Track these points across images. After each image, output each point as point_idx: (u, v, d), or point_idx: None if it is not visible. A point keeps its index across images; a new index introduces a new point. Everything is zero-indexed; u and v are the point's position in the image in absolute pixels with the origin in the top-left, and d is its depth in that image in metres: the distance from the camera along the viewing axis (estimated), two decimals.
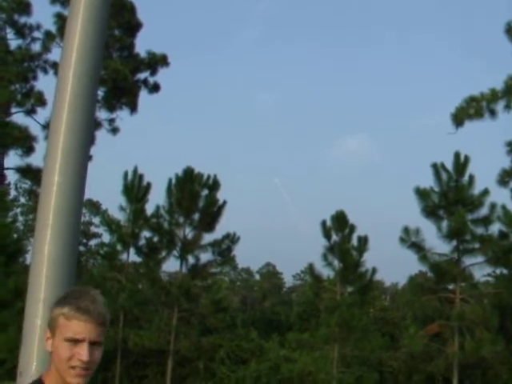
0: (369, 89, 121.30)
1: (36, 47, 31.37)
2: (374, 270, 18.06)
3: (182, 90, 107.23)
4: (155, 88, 31.79)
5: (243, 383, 20.23)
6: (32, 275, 2.25)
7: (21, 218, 52.67)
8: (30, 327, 2.02)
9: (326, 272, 19.06)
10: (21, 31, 31.30)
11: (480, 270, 17.97)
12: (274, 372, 20.09)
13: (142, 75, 31.65)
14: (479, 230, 17.51)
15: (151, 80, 31.78)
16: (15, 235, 24.21)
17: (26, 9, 31.01)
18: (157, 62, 31.25)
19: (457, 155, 17.68)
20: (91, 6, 2.49)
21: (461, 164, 17.68)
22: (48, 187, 2.32)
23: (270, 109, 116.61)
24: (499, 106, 21.97)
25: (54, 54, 31.26)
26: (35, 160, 30.19)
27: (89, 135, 2.45)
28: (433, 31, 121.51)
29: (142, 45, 35.89)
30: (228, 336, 22.07)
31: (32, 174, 30.09)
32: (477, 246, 17.47)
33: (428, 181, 17.87)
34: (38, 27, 31.25)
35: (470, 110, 23.99)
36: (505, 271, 19.59)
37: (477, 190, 17.60)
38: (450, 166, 17.76)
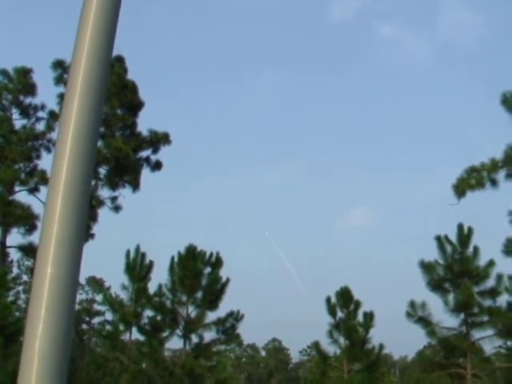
0: (370, 162, 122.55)
1: (40, 127, 31.88)
2: (382, 347, 17.66)
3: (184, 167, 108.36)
4: (157, 166, 32.01)
5: None
6: (22, 371, 2.13)
7: (23, 296, 52.23)
8: None
9: (332, 349, 18.63)
10: (25, 111, 31.87)
11: (490, 343, 17.56)
12: None
13: (144, 153, 31.95)
14: (487, 302, 17.21)
15: (153, 158, 32.06)
16: (17, 313, 23.84)
17: (31, 90, 31.68)
18: (159, 140, 31.59)
19: (460, 227, 17.58)
20: (89, 88, 2.50)
21: (465, 236, 17.56)
22: (40, 279, 2.23)
23: (272, 184, 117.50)
24: (500, 175, 22.00)
25: None
26: (37, 238, 30.10)
27: (83, 224, 2.38)
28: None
29: (145, 123, 36.31)
30: None
31: (34, 253, 29.92)
32: (485, 318, 17.13)
33: (432, 253, 17.69)
34: (43, 107, 31.86)
35: (471, 181, 24.02)
36: None
37: (482, 261, 17.42)
38: (453, 237, 17.63)
